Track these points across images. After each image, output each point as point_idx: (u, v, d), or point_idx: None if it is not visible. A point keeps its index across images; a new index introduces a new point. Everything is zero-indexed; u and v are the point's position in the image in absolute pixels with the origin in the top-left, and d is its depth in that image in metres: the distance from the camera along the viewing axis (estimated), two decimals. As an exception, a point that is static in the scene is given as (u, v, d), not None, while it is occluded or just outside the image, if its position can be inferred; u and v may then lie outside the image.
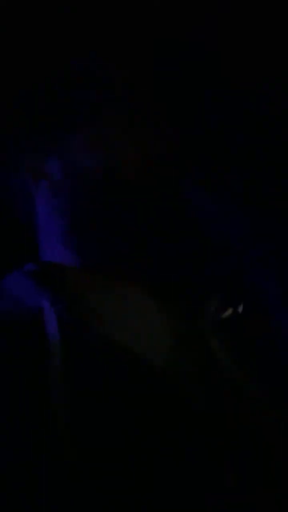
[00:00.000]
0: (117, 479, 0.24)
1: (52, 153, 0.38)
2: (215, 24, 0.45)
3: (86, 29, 0.44)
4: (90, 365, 0.29)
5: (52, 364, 0.27)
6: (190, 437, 0.28)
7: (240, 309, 0.40)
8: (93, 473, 0.24)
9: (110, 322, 0.33)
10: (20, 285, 0.35)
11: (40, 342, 0.28)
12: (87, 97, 0.38)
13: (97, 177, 0.36)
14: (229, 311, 0.40)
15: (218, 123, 0.40)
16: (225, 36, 0.45)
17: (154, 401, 0.29)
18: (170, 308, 0.38)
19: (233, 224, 0.36)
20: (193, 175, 0.39)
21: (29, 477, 0.23)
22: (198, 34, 0.44)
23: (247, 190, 0.37)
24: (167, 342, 0.36)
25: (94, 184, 0.36)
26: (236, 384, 0.37)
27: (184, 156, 0.38)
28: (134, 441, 0.26)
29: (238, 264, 0.38)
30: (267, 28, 0.46)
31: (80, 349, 0.30)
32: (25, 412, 0.25)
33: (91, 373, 0.28)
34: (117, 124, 0.37)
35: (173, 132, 0.38)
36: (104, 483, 0.24)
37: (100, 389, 0.28)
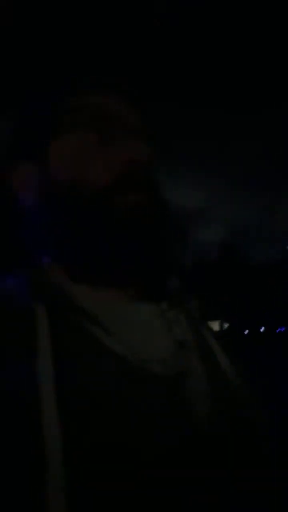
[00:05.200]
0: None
1: (29, 160, 0.40)
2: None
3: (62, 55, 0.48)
4: (81, 367, 0.29)
5: (42, 366, 0.27)
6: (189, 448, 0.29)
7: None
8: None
9: (101, 324, 0.33)
10: (13, 288, 0.35)
11: (31, 342, 0.28)
12: (59, 117, 0.40)
13: (68, 188, 0.37)
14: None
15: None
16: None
17: (151, 403, 0.29)
18: (149, 306, 0.39)
19: None
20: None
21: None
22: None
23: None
24: (157, 340, 0.36)
25: (65, 195, 0.37)
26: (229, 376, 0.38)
27: (150, 167, 0.39)
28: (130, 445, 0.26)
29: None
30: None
31: (71, 351, 0.30)
32: (14, 415, 0.25)
33: (82, 375, 0.29)
34: (87, 140, 0.38)
35: (141, 147, 0.38)
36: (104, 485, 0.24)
37: (91, 390, 0.28)
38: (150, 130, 0.43)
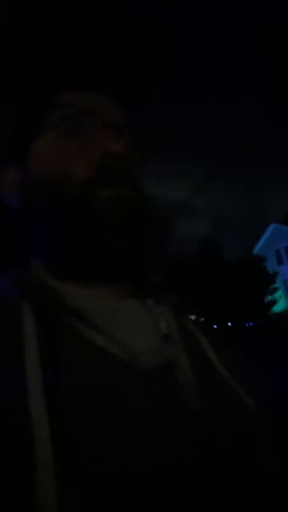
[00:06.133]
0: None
1: (14, 163, 0.41)
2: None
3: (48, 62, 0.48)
4: (70, 366, 0.29)
5: (29, 366, 0.26)
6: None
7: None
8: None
9: (88, 321, 0.33)
10: (1, 289, 0.35)
11: (18, 343, 0.28)
12: (44, 115, 0.40)
13: (50, 187, 0.37)
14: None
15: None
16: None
17: (142, 398, 0.29)
18: (135, 302, 0.40)
19: None
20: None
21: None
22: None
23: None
24: (144, 334, 0.36)
25: (48, 194, 0.37)
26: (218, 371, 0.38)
27: (130, 160, 0.39)
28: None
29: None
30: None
31: (59, 350, 0.29)
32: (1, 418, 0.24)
33: (72, 374, 0.28)
34: (65, 137, 0.39)
35: (118, 139, 0.38)
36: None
37: (81, 389, 0.27)
38: (130, 124, 0.43)
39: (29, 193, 0.39)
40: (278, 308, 22.15)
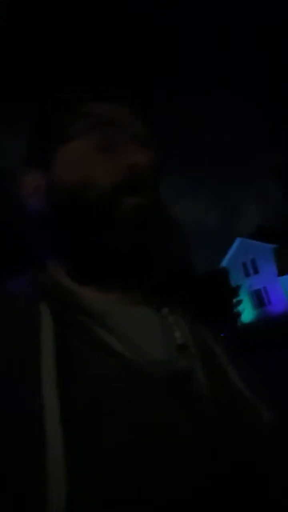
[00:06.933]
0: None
1: (39, 168, 0.42)
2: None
3: (68, 70, 0.49)
4: (86, 369, 0.28)
5: (45, 369, 0.26)
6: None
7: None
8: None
9: (106, 325, 0.33)
10: (18, 289, 0.36)
11: (35, 345, 0.27)
12: (66, 121, 0.41)
13: (73, 193, 0.37)
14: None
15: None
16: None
17: (157, 405, 0.29)
18: (151, 310, 0.40)
19: None
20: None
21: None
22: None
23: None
24: (159, 343, 0.37)
25: (71, 200, 0.38)
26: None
27: (154, 172, 0.40)
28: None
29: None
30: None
31: (76, 352, 0.29)
32: (15, 421, 0.24)
33: (88, 377, 0.28)
34: (91, 146, 0.40)
35: (144, 152, 0.39)
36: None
37: (97, 392, 0.27)
38: (154, 136, 0.45)
39: (53, 197, 0.39)
40: (246, 318, 23.04)
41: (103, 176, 0.38)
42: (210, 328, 0.45)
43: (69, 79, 0.48)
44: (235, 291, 21.35)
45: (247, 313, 23.63)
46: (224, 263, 26.53)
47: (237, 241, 26.44)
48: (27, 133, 0.44)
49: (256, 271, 24.92)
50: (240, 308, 21.73)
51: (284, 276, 22.52)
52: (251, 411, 0.36)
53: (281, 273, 22.71)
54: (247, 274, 25.46)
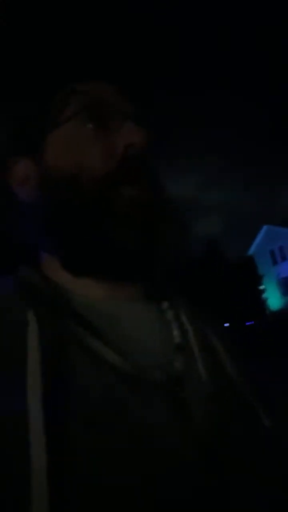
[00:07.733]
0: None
1: (28, 156, 0.39)
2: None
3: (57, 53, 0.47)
4: (74, 381, 0.27)
5: (31, 385, 0.24)
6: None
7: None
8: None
9: (96, 331, 0.32)
10: (7, 295, 0.33)
11: (20, 355, 0.26)
12: (59, 106, 0.39)
13: (66, 180, 0.35)
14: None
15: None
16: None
17: (150, 414, 0.28)
18: (148, 305, 0.39)
19: None
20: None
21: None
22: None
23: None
24: (155, 344, 0.36)
25: (64, 188, 0.36)
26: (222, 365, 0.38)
27: (148, 153, 0.38)
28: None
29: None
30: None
31: (63, 363, 0.28)
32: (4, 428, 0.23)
33: (76, 390, 0.27)
34: (82, 129, 0.38)
35: (138, 131, 0.37)
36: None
37: (86, 405, 0.26)
38: (147, 116, 0.43)
39: (44, 186, 0.37)
40: (274, 306, 23.04)
41: (97, 163, 0.36)
42: (214, 322, 0.44)
43: (57, 60, 0.46)
44: (260, 279, 21.39)
45: (275, 300, 23.62)
46: (251, 251, 26.53)
47: (264, 229, 26.27)
48: (9, 119, 0.42)
49: (284, 259, 24.77)
50: (264, 296, 21.78)
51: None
52: (250, 412, 0.35)
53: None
54: (275, 262, 25.37)
